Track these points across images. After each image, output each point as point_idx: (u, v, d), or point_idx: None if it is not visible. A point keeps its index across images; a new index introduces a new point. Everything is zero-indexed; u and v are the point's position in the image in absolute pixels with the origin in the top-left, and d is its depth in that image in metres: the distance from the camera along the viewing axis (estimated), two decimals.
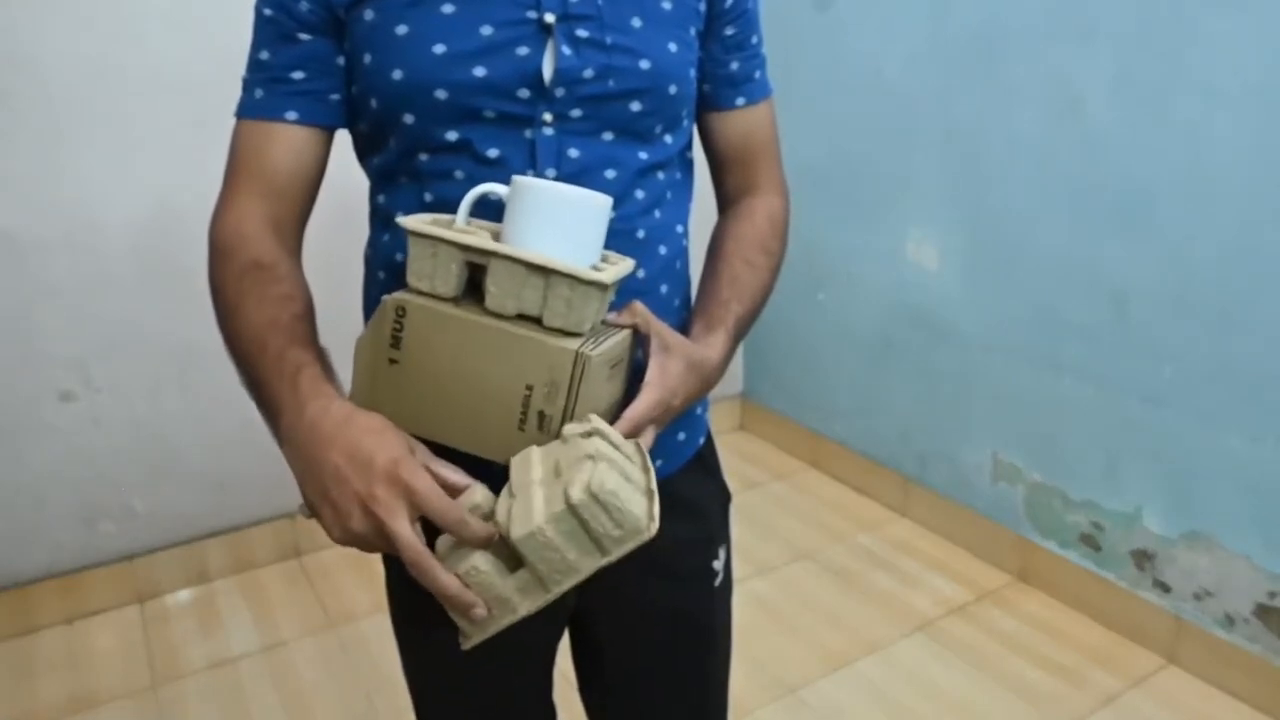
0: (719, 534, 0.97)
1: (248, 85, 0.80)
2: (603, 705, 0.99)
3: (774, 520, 2.46)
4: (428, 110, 0.75)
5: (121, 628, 2.04)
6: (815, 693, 1.81)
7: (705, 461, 0.95)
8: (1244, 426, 1.69)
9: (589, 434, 0.65)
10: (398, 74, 0.74)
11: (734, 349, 0.83)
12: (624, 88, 0.77)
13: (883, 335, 2.43)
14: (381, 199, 0.83)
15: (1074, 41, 1.84)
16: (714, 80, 0.88)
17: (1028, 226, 2.00)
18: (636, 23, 0.78)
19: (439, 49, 0.73)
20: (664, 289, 0.85)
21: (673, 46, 0.80)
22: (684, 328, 0.84)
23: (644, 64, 0.77)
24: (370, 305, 0.86)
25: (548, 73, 0.75)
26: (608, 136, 0.79)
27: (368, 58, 0.76)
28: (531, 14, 0.74)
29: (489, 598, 0.63)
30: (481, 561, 0.62)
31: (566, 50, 0.75)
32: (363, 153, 0.85)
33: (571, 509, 0.59)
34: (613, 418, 0.71)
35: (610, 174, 0.79)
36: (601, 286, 0.67)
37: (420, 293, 0.69)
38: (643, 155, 0.81)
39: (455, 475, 0.66)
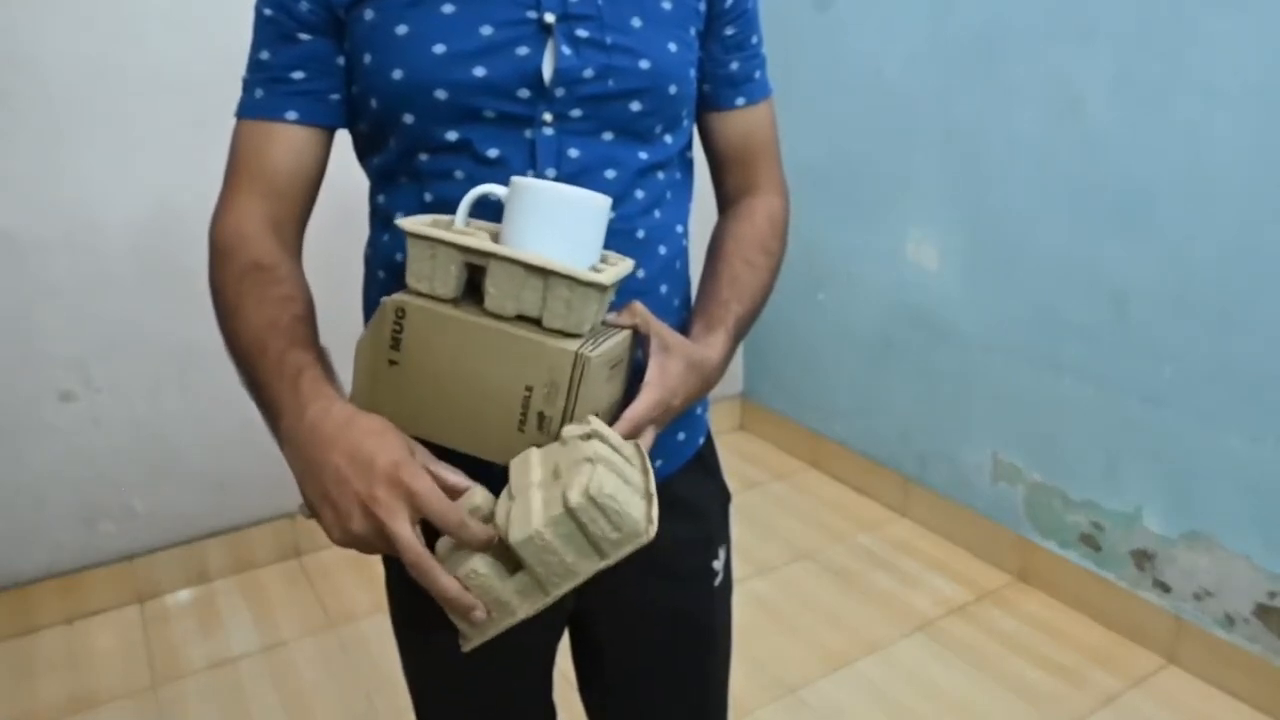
0: (719, 534, 0.96)
1: (248, 85, 0.80)
2: (603, 705, 0.99)
3: (774, 520, 2.46)
4: (428, 110, 0.75)
5: (121, 628, 2.04)
6: (815, 693, 1.81)
7: (705, 461, 0.95)
8: (1244, 426, 1.69)
9: (588, 436, 0.65)
10: (398, 74, 0.74)
11: (734, 349, 0.83)
12: (624, 88, 0.77)
13: (883, 335, 2.43)
14: (381, 199, 0.83)
15: (1074, 41, 1.83)
16: (714, 80, 0.88)
17: (1028, 226, 2.00)
18: (636, 23, 0.78)
19: (439, 49, 0.73)
20: (664, 289, 0.85)
21: (673, 46, 0.80)
22: (684, 328, 0.84)
23: (644, 64, 0.77)
24: (370, 305, 0.86)
25: (548, 73, 0.75)
26: (608, 136, 0.79)
27: (368, 58, 0.76)
28: (531, 14, 0.74)
29: (488, 600, 0.63)
30: (481, 564, 0.62)
31: (566, 50, 0.75)
32: (363, 153, 0.85)
33: (570, 512, 0.59)
34: (613, 418, 0.71)
35: (610, 174, 0.79)
36: (600, 288, 0.67)
37: (419, 294, 0.69)
38: (643, 155, 0.81)
39: (455, 477, 0.66)
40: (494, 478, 0.68)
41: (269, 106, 0.78)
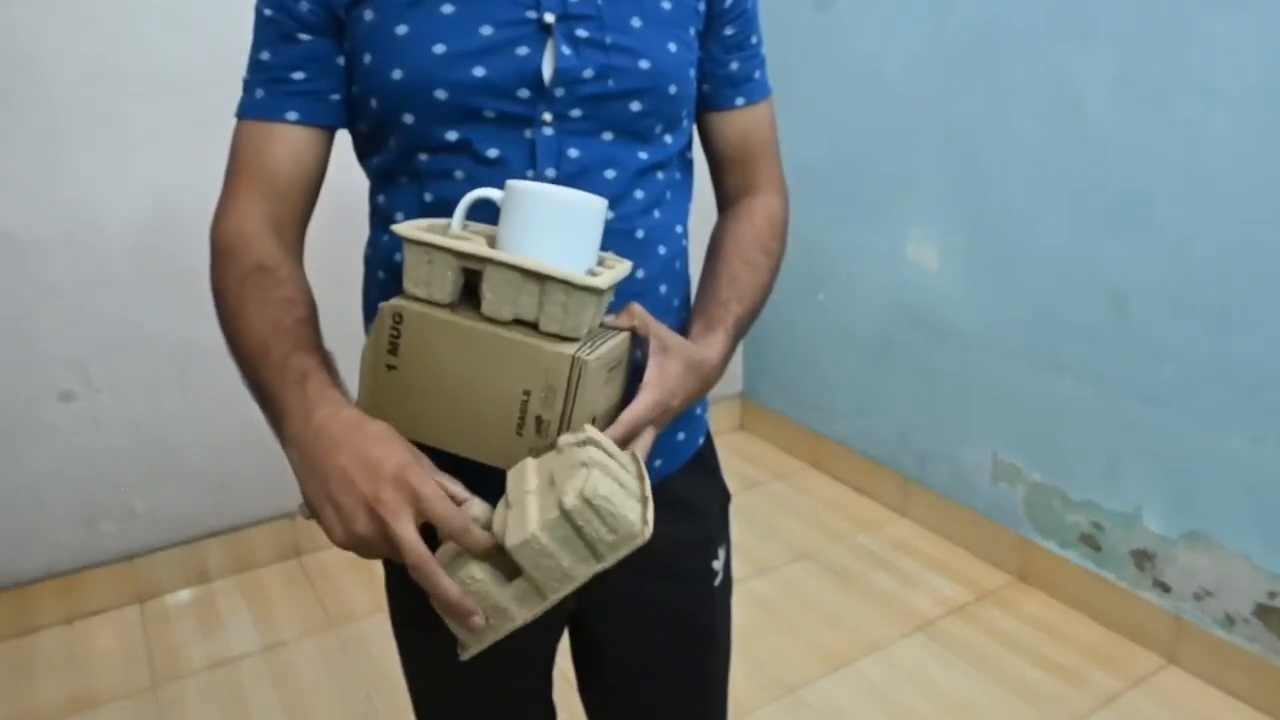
0: (718, 534, 0.96)
1: (248, 85, 0.80)
2: (603, 705, 0.99)
3: (774, 520, 2.46)
4: (427, 110, 0.75)
5: (121, 628, 2.04)
6: (815, 693, 1.81)
7: (705, 462, 0.95)
8: (1244, 426, 1.69)
9: (584, 443, 0.65)
10: (398, 74, 0.74)
11: (733, 349, 0.83)
12: (624, 88, 0.77)
13: (883, 335, 2.43)
14: (381, 199, 0.83)
15: (1074, 41, 1.83)
16: (714, 80, 0.88)
17: (1028, 226, 2.00)
18: (636, 23, 0.78)
19: (439, 49, 0.73)
20: (663, 289, 0.85)
21: (672, 46, 0.80)
22: (683, 328, 0.84)
23: (644, 64, 0.77)
24: (370, 305, 0.86)
25: (547, 73, 0.75)
26: (607, 136, 0.79)
27: (368, 58, 0.76)
28: (531, 14, 0.74)
29: (486, 606, 0.63)
30: (479, 571, 0.62)
31: (566, 50, 0.75)
32: (363, 153, 0.85)
33: (565, 515, 0.59)
34: (612, 420, 0.71)
35: (610, 174, 0.79)
36: (597, 292, 0.67)
37: (417, 299, 0.69)
38: (642, 155, 0.81)
39: (455, 488, 0.66)
40: (493, 492, 0.68)
41: (269, 107, 0.78)
